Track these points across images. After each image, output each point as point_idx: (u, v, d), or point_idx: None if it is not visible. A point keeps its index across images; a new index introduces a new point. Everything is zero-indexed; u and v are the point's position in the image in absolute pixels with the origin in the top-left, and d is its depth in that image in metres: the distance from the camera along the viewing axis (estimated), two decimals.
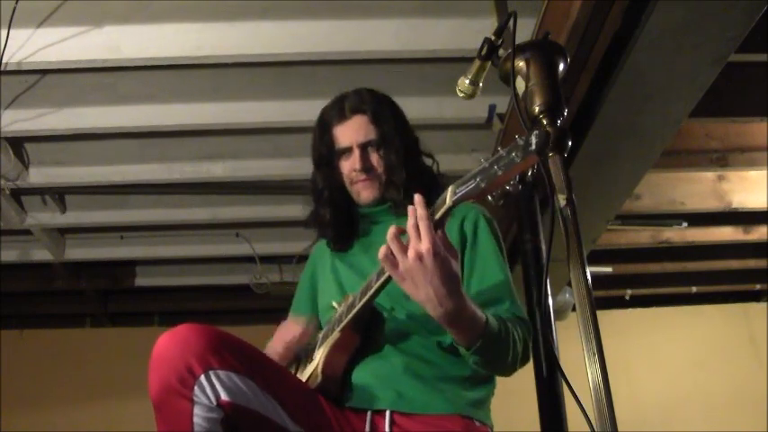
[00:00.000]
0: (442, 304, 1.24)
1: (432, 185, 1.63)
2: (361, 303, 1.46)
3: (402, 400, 1.46)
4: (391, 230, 1.24)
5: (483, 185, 1.18)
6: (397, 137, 1.66)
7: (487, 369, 1.47)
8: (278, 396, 1.34)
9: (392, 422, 1.44)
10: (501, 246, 1.63)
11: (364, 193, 1.67)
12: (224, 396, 1.26)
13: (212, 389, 1.26)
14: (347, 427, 1.44)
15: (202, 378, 1.25)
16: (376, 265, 1.39)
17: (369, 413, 1.46)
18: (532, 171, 1.17)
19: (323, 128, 1.71)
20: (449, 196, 1.23)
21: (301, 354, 1.65)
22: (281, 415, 1.34)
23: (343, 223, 1.73)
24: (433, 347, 1.53)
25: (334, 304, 1.60)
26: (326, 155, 1.70)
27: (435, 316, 1.28)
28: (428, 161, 1.76)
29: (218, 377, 1.26)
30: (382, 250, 1.25)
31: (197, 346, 1.26)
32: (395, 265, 1.24)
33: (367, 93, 1.71)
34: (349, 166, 1.67)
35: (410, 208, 1.25)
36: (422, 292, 1.24)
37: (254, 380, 1.31)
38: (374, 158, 1.66)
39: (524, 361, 1.48)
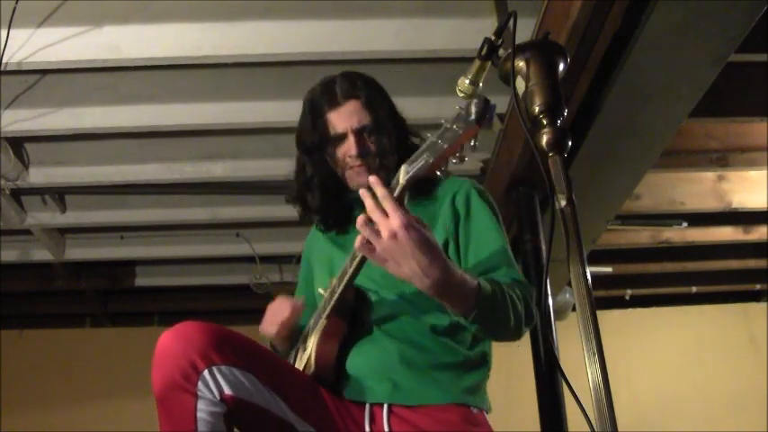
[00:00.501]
0: (428, 275, 1.23)
1: None
2: (340, 289, 1.46)
3: (399, 393, 1.46)
4: (360, 219, 1.23)
5: (431, 160, 1.19)
6: (389, 121, 1.66)
7: (491, 336, 1.45)
8: (279, 390, 1.36)
9: (390, 414, 1.44)
10: (496, 213, 1.62)
11: (360, 177, 1.65)
12: (227, 390, 1.28)
13: (216, 383, 1.28)
14: (348, 418, 1.45)
15: (206, 373, 1.27)
16: None
17: (367, 405, 1.47)
18: (474, 142, 1.17)
19: (315, 114, 1.69)
20: (402, 175, 1.24)
21: (297, 338, 1.65)
22: (282, 408, 1.36)
23: (331, 207, 1.72)
24: (426, 331, 1.53)
25: (321, 291, 1.60)
26: (318, 141, 1.69)
27: (424, 289, 1.26)
28: (416, 140, 1.74)
29: (220, 372, 1.28)
30: (357, 240, 1.24)
31: (199, 342, 1.28)
32: (372, 250, 1.23)
33: (356, 77, 1.70)
34: (343, 152, 1.66)
35: (362, 192, 1.24)
36: (405, 267, 1.22)
37: (256, 374, 1.33)
38: (368, 143, 1.66)
39: (528, 322, 1.44)
